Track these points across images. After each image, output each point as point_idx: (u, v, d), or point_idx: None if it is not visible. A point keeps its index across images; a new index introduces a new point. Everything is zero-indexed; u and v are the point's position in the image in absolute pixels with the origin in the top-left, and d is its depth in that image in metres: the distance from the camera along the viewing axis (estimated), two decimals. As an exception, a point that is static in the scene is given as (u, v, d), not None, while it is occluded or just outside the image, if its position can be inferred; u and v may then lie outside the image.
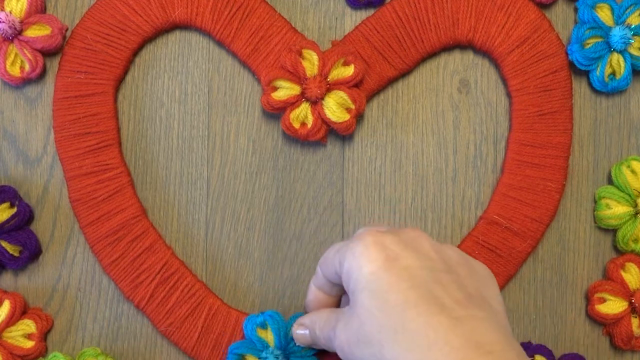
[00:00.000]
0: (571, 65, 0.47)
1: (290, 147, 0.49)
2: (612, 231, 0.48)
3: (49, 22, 0.46)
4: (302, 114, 0.46)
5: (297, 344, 0.44)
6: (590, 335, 0.48)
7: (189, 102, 0.49)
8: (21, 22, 0.46)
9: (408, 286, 0.34)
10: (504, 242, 0.47)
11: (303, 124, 0.46)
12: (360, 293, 0.35)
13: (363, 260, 0.35)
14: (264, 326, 0.45)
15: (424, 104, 0.49)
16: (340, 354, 0.38)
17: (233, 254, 0.48)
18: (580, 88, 0.49)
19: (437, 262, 0.36)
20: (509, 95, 0.48)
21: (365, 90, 0.47)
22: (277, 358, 0.44)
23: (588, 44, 0.47)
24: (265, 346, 0.45)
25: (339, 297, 0.43)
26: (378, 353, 0.34)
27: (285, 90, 0.46)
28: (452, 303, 0.34)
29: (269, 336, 0.45)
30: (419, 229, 0.38)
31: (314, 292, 0.42)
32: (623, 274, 0.47)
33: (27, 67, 0.46)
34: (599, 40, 0.47)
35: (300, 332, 0.43)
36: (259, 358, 0.45)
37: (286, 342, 0.45)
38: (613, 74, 0.47)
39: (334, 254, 0.39)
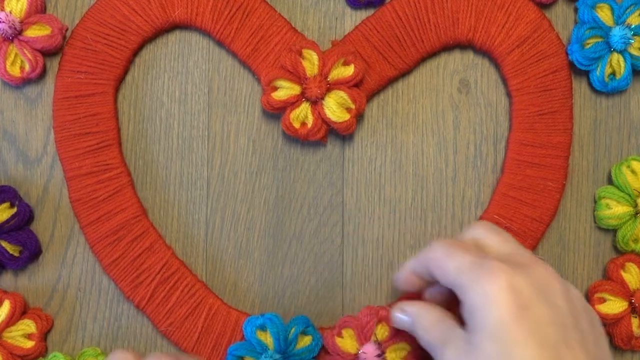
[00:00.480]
0: (571, 65, 0.47)
1: (290, 147, 0.49)
2: (612, 231, 0.48)
3: (49, 22, 0.46)
4: (302, 113, 0.46)
5: (392, 324, 0.43)
6: (590, 335, 0.48)
7: (189, 102, 0.49)
8: (21, 22, 0.46)
9: (537, 345, 0.33)
10: (504, 242, 0.47)
11: (303, 123, 0.46)
12: (484, 335, 0.34)
13: (495, 304, 0.34)
14: (263, 328, 0.45)
15: (424, 104, 0.49)
16: None
17: (233, 254, 0.48)
18: (580, 88, 0.49)
19: (566, 317, 0.34)
20: (509, 95, 0.48)
21: (365, 90, 0.47)
22: None
23: (588, 44, 0.47)
24: (265, 349, 0.45)
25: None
26: None
27: (285, 90, 0.46)
28: None
29: (268, 339, 0.45)
30: (548, 266, 0.36)
31: (409, 275, 0.41)
32: (623, 274, 0.47)
33: (27, 67, 0.46)
34: (599, 40, 0.47)
35: (401, 317, 0.41)
36: (258, 360, 0.45)
37: (285, 345, 0.45)
38: (613, 74, 0.47)
39: (455, 271, 0.36)
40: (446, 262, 0.37)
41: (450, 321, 0.38)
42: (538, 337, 0.33)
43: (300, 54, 0.46)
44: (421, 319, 0.39)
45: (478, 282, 0.34)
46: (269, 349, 0.45)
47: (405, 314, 0.41)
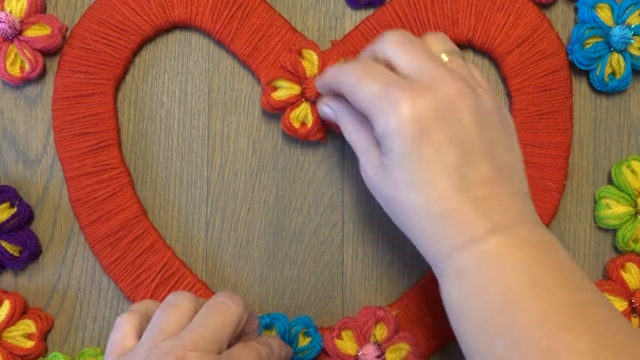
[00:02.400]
0: (571, 65, 0.47)
1: (290, 147, 0.49)
2: (612, 231, 0.48)
3: (49, 22, 0.46)
4: (302, 113, 0.46)
5: (320, 114, 0.45)
6: (590, 335, 0.48)
7: (189, 102, 0.49)
8: (21, 22, 0.46)
9: (439, 168, 0.35)
10: (504, 242, 0.47)
11: (303, 123, 0.46)
12: (392, 162, 0.36)
13: (397, 135, 0.35)
14: (269, 328, 0.45)
15: (424, 104, 0.49)
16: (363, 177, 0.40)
17: (233, 254, 0.48)
18: (580, 88, 0.49)
19: (471, 131, 0.36)
20: (508, 95, 0.48)
21: (365, 90, 0.47)
22: None
23: (588, 43, 0.47)
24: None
25: None
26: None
27: (285, 90, 0.46)
28: (478, 183, 0.35)
29: (272, 338, 0.45)
30: (457, 80, 0.36)
31: (327, 86, 0.42)
32: (623, 274, 0.47)
33: (27, 67, 0.46)
34: (599, 40, 0.47)
35: (326, 109, 0.43)
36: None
37: (289, 343, 0.45)
38: (613, 73, 0.47)
39: (364, 100, 0.37)
40: (356, 90, 0.38)
41: (369, 134, 0.39)
42: (440, 160, 0.35)
43: (300, 54, 0.46)
44: (344, 117, 0.41)
45: (382, 114, 0.36)
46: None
47: (330, 109, 0.43)
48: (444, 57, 0.39)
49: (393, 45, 0.38)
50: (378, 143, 0.38)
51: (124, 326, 0.37)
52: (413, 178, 0.35)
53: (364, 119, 0.39)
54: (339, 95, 0.41)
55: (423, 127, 0.35)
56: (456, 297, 0.35)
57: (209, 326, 0.35)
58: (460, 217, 0.35)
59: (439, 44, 0.39)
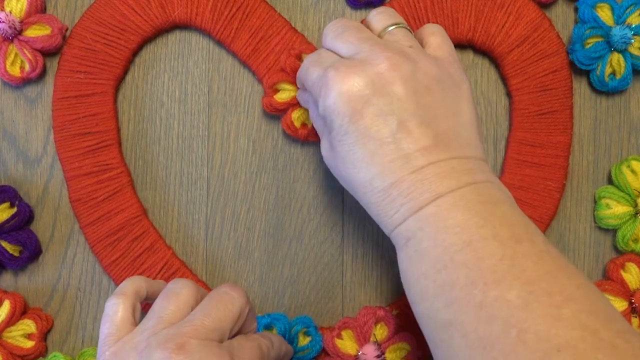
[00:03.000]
0: (571, 64, 0.47)
1: (290, 147, 0.49)
2: (612, 231, 0.48)
3: (49, 22, 0.46)
4: (304, 114, 0.46)
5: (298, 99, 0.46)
6: (591, 335, 0.48)
7: (189, 102, 0.49)
8: (21, 22, 0.46)
9: (373, 142, 0.36)
10: (504, 242, 0.47)
11: (304, 124, 0.47)
12: (335, 139, 0.37)
13: (334, 114, 0.37)
14: (269, 327, 0.45)
15: (424, 104, 0.49)
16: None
17: (233, 254, 0.48)
18: (580, 88, 0.49)
19: (405, 103, 0.36)
20: (509, 94, 0.48)
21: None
22: None
23: (588, 43, 0.47)
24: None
25: None
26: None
27: (287, 92, 0.46)
28: (415, 153, 0.36)
29: (272, 337, 0.45)
30: (394, 53, 0.37)
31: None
32: (623, 274, 0.47)
33: (27, 67, 0.46)
34: (600, 40, 0.47)
35: (300, 100, 0.45)
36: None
37: (290, 343, 0.45)
38: (613, 73, 0.47)
39: (311, 84, 0.39)
40: (305, 77, 0.40)
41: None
42: (376, 135, 0.36)
43: (299, 58, 0.46)
44: (307, 103, 0.43)
45: (320, 95, 0.38)
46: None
47: (300, 98, 0.45)
48: (388, 32, 0.40)
49: (330, 38, 0.40)
50: None
51: (118, 312, 0.37)
52: (354, 154, 0.37)
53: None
54: None
55: (356, 104, 0.36)
56: (405, 264, 0.36)
57: (211, 315, 0.35)
58: (403, 189, 0.35)
59: (382, 19, 0.40)
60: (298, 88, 0.45)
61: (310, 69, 0.39)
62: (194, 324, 0.35)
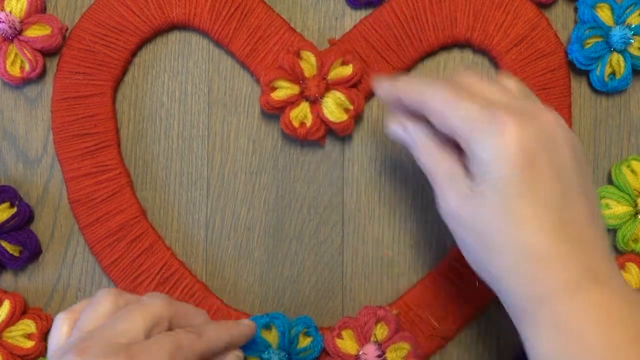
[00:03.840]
0: (571, 65, 0.47)
1: (290, 147, 0.49)
2: (612, 231, 0.48)
3: (49, 22, 0.46)
4: (302, 113, 0.46)
5: (388, 134, 0.40)
6: (590, 335, 0.48)
7: (189, 102, 0.49)
8: (21, 22, 0.46)
9: (538, 204, 0.33)
10: (504, 242, 0.47)
11: (302, 123, 0.46)
12: (488, 187, 0.34)
13: (503, 160, 0.33)
14: (267, 327, 0.45)
15: (424, 104, 0.49)
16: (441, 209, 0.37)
17: (233, 254, 0.49)
18: (580, 88, 0.49)
19: (571, 167, 0.34)
20: (508, 95, 0.48)
21: (364, 90, 0.47)
22: (282, 359, 0.44)
23: (588, 43, 0.47)
24: (268, 347, 0.45)
25: None
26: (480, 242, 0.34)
27: (285, 90, 0.46)
28: (574, 221, 0.33)
29: (271, 337, 0.45)
30: (552, 111, 0.35)
31: (396, 99, 0.38)
32: (623, 274, 0.47)
33: (27, 67, 0.46)
34: (599, 40, 0.47)
35: (400, 131, 0.39)
36: (261, 358, 0.45)
37: (289, 343, 0.45)
38: (613, 73, 0.47)
39: (462, 121, 0.34)
40: (450, 111, 0.35)
41: (453, 160, 0.37)
42: (543, 195, 0.33)
43: (298, 55, 0.46)
44: (423, 139, 0.38)
45: (485, 137, 0.33)
46: (271, 347, 0.45)
47: (405, 131, 0.39)
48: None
49: (474, 78, 0.36)
50: (465, 170, 0.36)
51: (59, 328, 0.37)
52: (513, 212, 0.33)
53: (445, 142, 0.37)
54: (412, 114, 0.38)
55: (530, 157, 0.33)
56: (550, 347, 0.33)
57: (119, 320, 0.35)
58: (558, 259, 0.33)
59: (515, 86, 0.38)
60: (316, 95, 0.44)
61: (463, 101, 0.34)
62: (102, 329, 0.35)
